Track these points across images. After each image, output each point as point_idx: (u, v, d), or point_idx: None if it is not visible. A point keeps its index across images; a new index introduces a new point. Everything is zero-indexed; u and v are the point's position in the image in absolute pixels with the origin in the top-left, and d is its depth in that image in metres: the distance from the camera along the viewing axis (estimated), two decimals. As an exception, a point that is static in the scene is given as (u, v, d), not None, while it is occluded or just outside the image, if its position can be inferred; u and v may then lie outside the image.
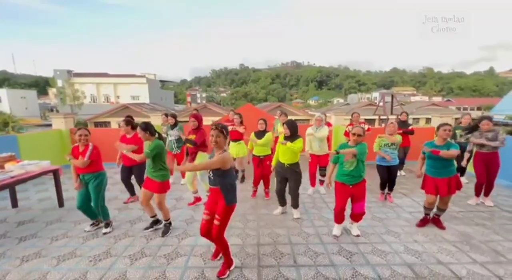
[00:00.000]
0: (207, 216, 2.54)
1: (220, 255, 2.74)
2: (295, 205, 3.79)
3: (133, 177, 4.38)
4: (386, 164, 4.29)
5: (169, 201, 4.43)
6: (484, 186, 4.30)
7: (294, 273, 2.55)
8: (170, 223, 3.41)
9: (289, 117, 4.76)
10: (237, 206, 4.11)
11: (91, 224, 3.47)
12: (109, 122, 24.31)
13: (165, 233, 3.30)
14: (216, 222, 2.42)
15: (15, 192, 4.21)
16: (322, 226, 3.51)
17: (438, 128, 3.33)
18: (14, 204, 4.19)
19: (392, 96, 11.09)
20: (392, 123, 4.36)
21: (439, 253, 2.89)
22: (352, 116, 5.90)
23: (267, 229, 3.45)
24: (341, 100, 66.32)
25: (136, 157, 3.14)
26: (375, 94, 63.67)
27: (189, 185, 4.23)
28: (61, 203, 4.21)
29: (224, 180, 2.40)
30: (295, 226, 3.52)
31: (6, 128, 21.83)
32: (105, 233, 3.34)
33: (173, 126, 5.14)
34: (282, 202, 3.90)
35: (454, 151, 3.13)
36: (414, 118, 26.33)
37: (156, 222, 3.44)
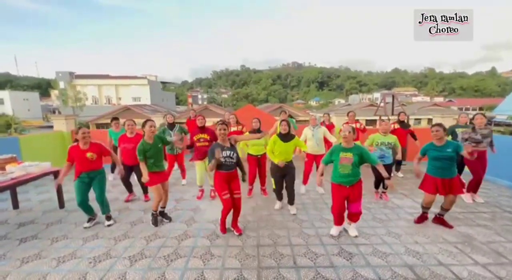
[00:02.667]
0: (228, 195, 3.16)
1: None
2: (292, 201, 3.95)
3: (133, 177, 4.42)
4: (381, 162, 4.26)
5: (170, 202, 4.42)
6: (472, 183, 4.32)
7: (294, 274, 2.54)
8: None
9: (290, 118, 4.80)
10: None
11: (89, 220, 3.60)
12: (110, 124, 24.33)
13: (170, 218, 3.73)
14: (238, 195, 3.27)
15: (16, 194, 4.22)
16: (322, 227, 3.50)
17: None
18: (15, 205, 4.20)
19: (393, 97, 11.05)
20: (384, 121, 4.38)
21: (440, 254, 2.87)
22: (348, 115, 5.90)
23: (267, 230, 3.45)
24: (342, 101, 66.30)
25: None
26: (376, 95, 63.50)
27: (199, 182, 4.54)
28: (61, 205, 4.21)
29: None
30: (295, 227, 3.51)
31: (9, 130, 21.96)
32: (109, 225, 3.57)
33: (171, 127, 5.01)
34: (281, 197, 4.09)
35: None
36: (416, 119, 26.23)
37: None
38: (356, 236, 3.23)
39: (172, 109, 35.89)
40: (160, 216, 3.69)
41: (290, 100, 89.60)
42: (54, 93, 41.60)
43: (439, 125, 3.30)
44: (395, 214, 3.95)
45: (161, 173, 3.55)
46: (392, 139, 4.26)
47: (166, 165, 3.71)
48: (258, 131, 4.47)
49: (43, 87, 61.26)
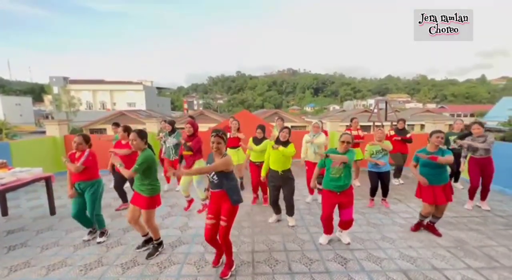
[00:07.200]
0: (212, 220, 2.58)
1: (221, 261, 2.78)
2: (291, 213, 3.75)
3: (127, 184, 4.35)
4: (378, 170, 4.30)
5: (163, 208, 4.38)
6: (480, 190, 4.36)
7: (288, 280, 2.52)
8: (160, 244, 3.05)
9: (286, 124, 4.80)
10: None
11: (89, 233, 3.37)
12: (105, 129, 24.21)
13: (150, 255, 2.93)
14: (223, 223, 2.49)
15: (6, 200, 4.12)
16: (317, 233, 3.49)
17: (431, 135, 3.36)
18: (4, 212, 4.10)
19: (386, 103, 11.23)
20: (380, 129, 4.44)
21: (434, 259, 2.88)
22: (351, 121, 5.95)
23: (262, 236, 3.43)
24: (337, 107, 67.02)
25: (125, 174, 2.75)
26: (371, 101, 64.47)
27: (183, 191, 4.21)
28: (52, 211, 4.13)
29: (229, 182, 2.51)
30: (290, 233, 3.50)
31: (0, 135, 21.54)
32: (99, 243, 3.25)
33: (171, 132, 5.12)
34: (277, 210, 3.86)
35: (450, 157, 3.18)
36: (408, 125, 26.66)
37: (149, 240, 3.11)
38: (348, 243, 3.21)
39: (167, 115, 35.73)
40: (158, 248, 3.02)
41: (286, 106, 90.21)
42: (47, 98, 41.12)
43: (440, 131, 3.32)
44: (389, 219, 3.97)
45: (138, 195, 2.89)
46: (389, 146, 4.30)
47: (156, 189, 2.92)
48: (261, 140, 4.43)
49: (36, 92, 60.36)
